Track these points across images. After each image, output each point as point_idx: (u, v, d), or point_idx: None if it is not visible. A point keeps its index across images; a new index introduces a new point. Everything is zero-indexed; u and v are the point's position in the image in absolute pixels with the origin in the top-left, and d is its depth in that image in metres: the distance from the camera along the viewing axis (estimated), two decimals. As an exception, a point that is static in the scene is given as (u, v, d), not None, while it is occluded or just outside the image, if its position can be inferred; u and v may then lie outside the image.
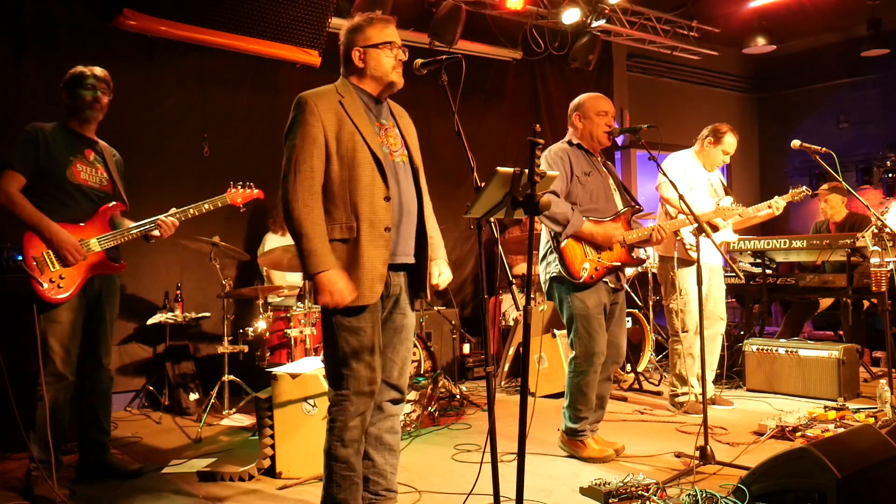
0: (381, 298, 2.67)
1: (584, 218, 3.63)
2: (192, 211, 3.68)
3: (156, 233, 3.59)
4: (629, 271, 5.88)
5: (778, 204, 4.64)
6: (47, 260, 3.30)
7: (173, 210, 3.65)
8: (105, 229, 3.48)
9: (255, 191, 3.93)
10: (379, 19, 2.73)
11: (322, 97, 2.64)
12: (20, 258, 3.31)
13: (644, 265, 5.90)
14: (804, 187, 4.72)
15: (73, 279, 3.35)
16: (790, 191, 4.69)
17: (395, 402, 2.80)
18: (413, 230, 2.74)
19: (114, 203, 3.54)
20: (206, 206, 3.72)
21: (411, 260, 2.75)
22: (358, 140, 2.61)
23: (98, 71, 3.48)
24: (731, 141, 4.72)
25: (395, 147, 2.73)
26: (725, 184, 4.84)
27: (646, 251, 5.87)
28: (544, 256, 3.77)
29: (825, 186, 6.36)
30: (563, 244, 3.62)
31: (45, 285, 3.28)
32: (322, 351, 2.77)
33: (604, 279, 3.69)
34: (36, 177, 3.32)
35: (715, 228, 4.51)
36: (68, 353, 3.36)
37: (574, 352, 3.72)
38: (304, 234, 2.54)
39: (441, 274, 2.86)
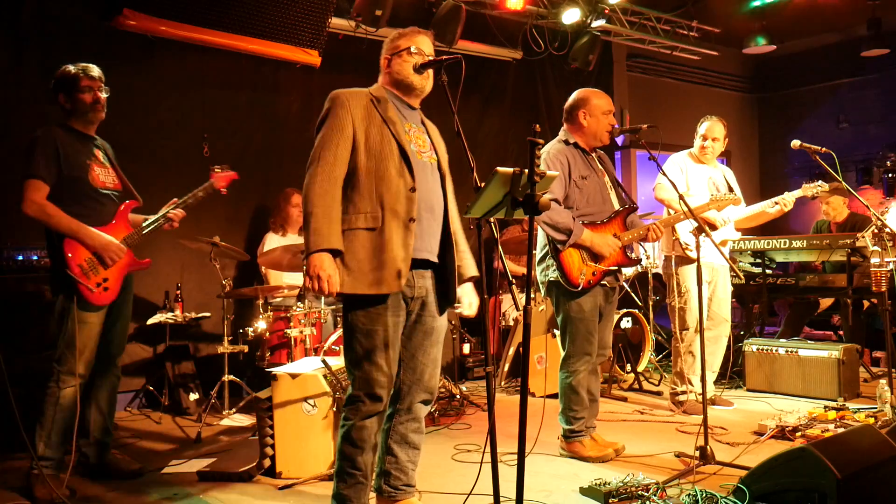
0: (407, 300, 2.72)
1: (583, 227, 3.63)
2: (189, 201, 3.71)
3: (166, 225, 3.64)
4: (629, 271, 5.88)
5: (786, 199, 4.64)
6: (91, 265, 3.34)
7: (174, 200, 3.69)
8: (128, 228, 3.55)
9: (231, 172, 3.89)
10: (411, 30, 2.82)
11: (355, 94, 2.73)
12: (49, 264, 3.31)
13: (643, 265, 5.91)
14: (819, 182, 4.72)
15: (116, 280, 3.43)
16: (803, 185, 4.69)
17: (426, 402, 2.87)
18: (438, 229, 2.79)
19: (129, 201, 3.59)
20: (200, 193, 3.75)
21: (433, 258, 2.78)
22: (386, 133, 2.68)
23: (91, 70, 3.47)
24: (707, 125, 4.71)
25: (423, 148, 2.79)
26: (730, 182, 4.82)
27: (646, 251, 5.91)
28: (542, 259, 3.76)
29: (826, 187, 6.36)
30: (562, 252, 3.63)
31: (94, 290, 3.33)
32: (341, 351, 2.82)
33: (601, 282, 3.70)
34: (58, 184, 3.33)
35: (713, 227, 4.51)
36: (91, 353, 3.40)
37: (565, 352, 3.73)
38: (313, 213, 2.58)
39: (471, 305, 2.92)
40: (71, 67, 3.45)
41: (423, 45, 2.79)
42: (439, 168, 2.84)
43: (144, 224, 3.60)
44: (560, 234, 3.60)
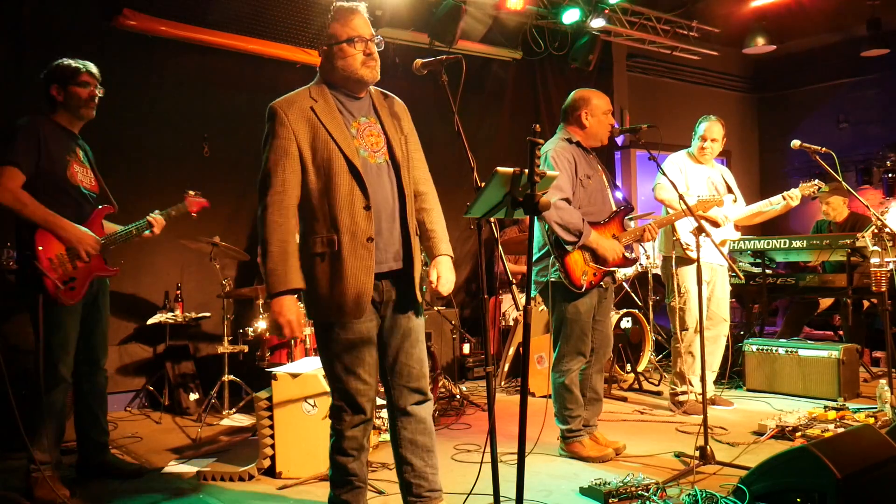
0: (377, 306, 2.62)
1: (591, 228, 3.64)
2: (169, 215, 3.64)
3: (147, 233, 3.57)
4: (629, 271, 5.88)
5: (794, 194, 4.64)
6: (62, 261, 3.26)
7: (157, 211, 3.62)
8: (101, 232, 3.47)
9: (204, 200, 3.83)
10: (341, 12, 2.60)
11: (293, 105, 2.54)
12: (17, 255, 3.26)
13: (643, 265, 5.91)
14: (816, 181, 4.71)
15: (82, 282, 3.35)
16: (800, 184, 4.69)
17: (420, 402, 2.72)
18: (397, 235, 2.63)
19: (103, 206, 3.53)
20: (172, 212, 3.68)
21: (398, 265, 2.64)
22: (333, 148, 2.51)
23: (91, 66, 3.42)
24: (706, 125, 4.70)
25: (375, 147, 2.61)
26: (728, 182, 4.83)
27: (646, 251, 5.91)
28: (539, 259, 3.74)
29: (826, 189, 6.36)
30: (568, 253, 3.62)
31: (61, 287, 3.24)
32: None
33: (600, 283, 3.71)
34: (35, 176, 3.23)
35: (716, 225, 4.51)
36: (68, 356, 3.36)
37: (558, 352, 3.73)
38: (268, 252, 2.46)
39: (440, 277, 2.72)
40: (70, 61, 3.38)
41: (362, 29, 2.58)
42: (394, 162, 2.63)
43: (120, 231, 3.51)
44: (570, 234, 3.58)
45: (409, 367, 2.69)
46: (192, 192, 3.79)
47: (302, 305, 2.84)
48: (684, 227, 4.52)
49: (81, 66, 3.38)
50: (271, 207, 2.47)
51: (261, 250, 2.50)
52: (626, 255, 3.76)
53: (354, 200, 2.52)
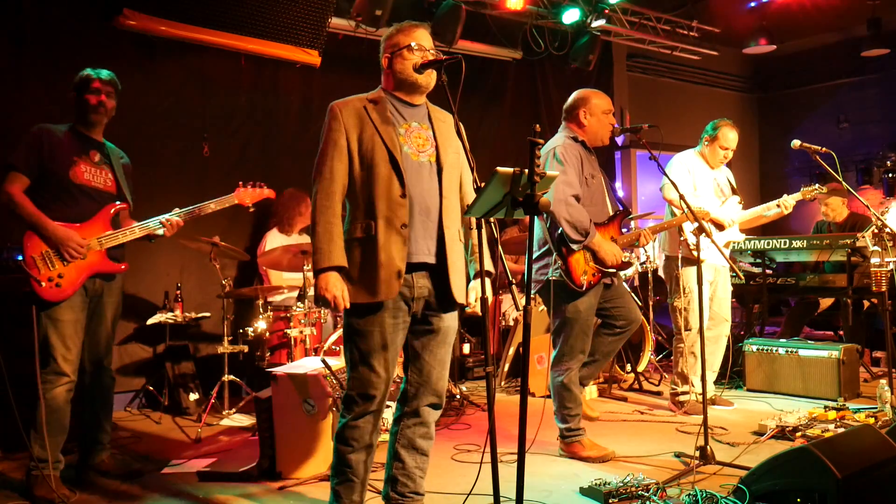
0: (408, 302, 2.69)
1: (596, 229, 3.64)
2: (196, 211, 3.67)
3: (159, 232, 3.59)
4: (629, 271, 5.88)
5: (787, 202, 4.65)
6: (46, 259, 3.31)
7: (176, 210, 3.64)
8: (107, 229, 3.48)
9: (266, 190, 3.90)
10: (408, 25, 2.81)
11: (348, 103, 2.75)
12: (20, 257, 3.32)
13: (644, 265, 5.91)
14: (816, 184, 4.72)
15: (73, 278, 3.35)
16: (801, 189, 4.69)
17: (434, 406, 2.82)
18: (433, 229, 2.72)
19: (117, 203, 3.54)
20: (212, 205, 3.71)
21: (430, 259, 2.72)
22: (377, 140, 2.67)
23: (104, 74, 3.50)
24: (729, 136, 4.70)
25: (420, 148, 2.74)
26: (733, 183, 4.83)
27: (646, 251, 5.91)
28: (539, 258, 3.74)
29: (824, 190, 6.35)
30: (571, 252, 3.62)
31: (44, 284, 3.29)
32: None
33: (599, 282, 3.71)
34: (40, 177, 3.36)
35: (720, 227, 4.51)
36: (69, 352, 3.36)
37: (558, 351, 3.73)
38: (315, 233, 2.66)
39: (479, 298, 2.77)
40: (89, 71, 3.49)
41: (422, 39, 2.78)
42: (438, 164, 2.76)
43: (133, 226, 3.54)
44: (578, 233, 3.58)
45: (431, 366, 2.78)
46: (249, 185, 3.82)
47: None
48: (691, 228, 4.51)
49: (94, 75, 3.49)
50: (320, 193, 2.68)
51: (310, 231, 2.73)
52: (623, 257, 3.78)
53: (391, 188, 2.65)
